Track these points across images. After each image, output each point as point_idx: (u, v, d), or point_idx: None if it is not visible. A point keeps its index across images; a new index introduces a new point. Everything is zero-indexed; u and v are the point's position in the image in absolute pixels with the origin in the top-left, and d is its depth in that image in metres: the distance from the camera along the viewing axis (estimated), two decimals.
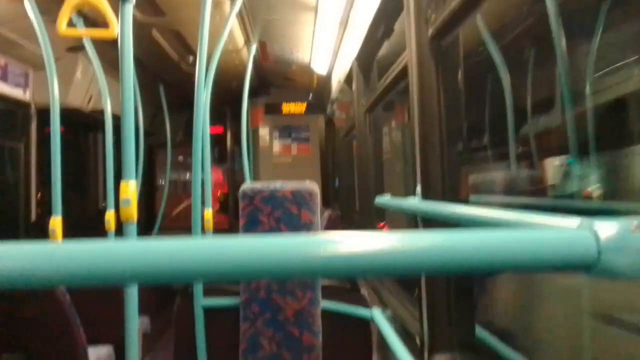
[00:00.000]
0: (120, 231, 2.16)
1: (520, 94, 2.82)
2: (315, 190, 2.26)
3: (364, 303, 2.39)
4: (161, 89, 5.44)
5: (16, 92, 3.95)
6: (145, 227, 5.66)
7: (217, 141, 6.92)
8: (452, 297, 1.42)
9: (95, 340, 3.15)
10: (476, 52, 2.97)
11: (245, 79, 4.24)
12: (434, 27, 1.41)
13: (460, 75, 1.45)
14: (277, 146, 6.32)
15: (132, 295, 1.78)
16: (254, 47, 4.22)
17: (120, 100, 1.82)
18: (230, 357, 2.26)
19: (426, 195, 1.46)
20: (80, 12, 3.30)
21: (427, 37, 1.45)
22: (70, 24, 3.26)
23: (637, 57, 1.90)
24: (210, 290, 2.45)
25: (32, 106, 4.17)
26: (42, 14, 2.77)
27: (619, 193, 1.95)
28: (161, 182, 6.68)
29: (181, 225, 6.14)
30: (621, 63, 2.05)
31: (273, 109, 6.32)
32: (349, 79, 3.28)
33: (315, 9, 3.34)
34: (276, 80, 5.88)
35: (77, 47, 3.89)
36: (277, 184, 2.27)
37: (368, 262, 0.48)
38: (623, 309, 1.44)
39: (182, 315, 2.46)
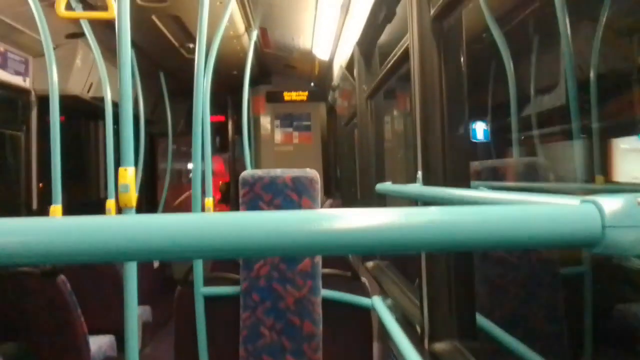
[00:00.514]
0: None
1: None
2: (316, 177, 2.24)
3: (364, 292, 2.38)
4: (162, 76, 5.41)
5: (16, 80, 3.93)
6: None
7: (218, 130, 6.90)
8: (452, 286, 1.40)
9: (96, 330, 3.16)
10: (479, 37, 2.93)
11: (246, 66, 4.20)
12: (435, 7, 1.37)
13: (462, 57, 1.41)
14: (278, 135, 6.30)
15: (132, 284, 1.76)
16: (254, 34, 4.18)
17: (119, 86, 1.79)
18: (231, 345, 2.25)
19: (427, 180, 1.44)
20: None
21: (429, 18, 1.41)
22: (69, 8, 3.23)
23: None
24: (211, 278, 2.44)
25: (33, 93, 4.15)
26: (41, 0, 2.74)
27: None
28: (163, 171, 6.67)
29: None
30: None
31: (274, 97, 6.28)
32: (350, 65, 3.25)
33: None
34: (277, 67, 5.83)
35: (76, 33, 3.85)
36: (278, 171, 2.25)
37: (370, 237, 0.46)
38: None
39: (182, 304, 2.45)
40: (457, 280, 1.39)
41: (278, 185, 2.21)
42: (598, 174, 2.25)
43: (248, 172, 2.28)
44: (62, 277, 2.65)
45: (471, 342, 1.36)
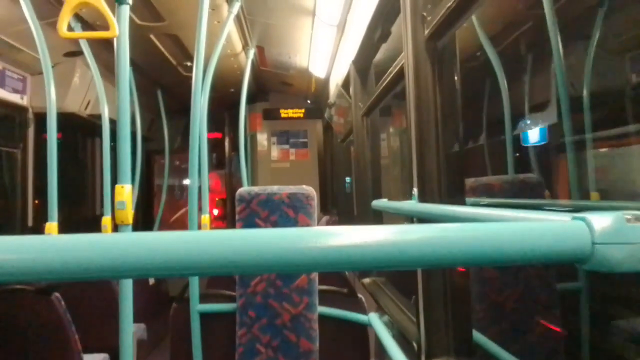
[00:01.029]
0: None
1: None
2: (312, 194, 2.25)
3: (361, 308, 2.37)
4: (159, 94, 5.44)
5: (14, 97, 3.95)
6: None
7: (215, 147, 6.92)
8: (449, 302, 1.40)
9: (91, 348, 3.13)
10: (474, 55, 2.98)
11: (243, 83, 4.24)
12: (430, 28, 1.40)
13: (456, 76, 1.44)
14: (275, 151, 6.32)
15: (127, 302, 1.76)
16: (251, 52, 4.22)
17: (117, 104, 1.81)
18: None
19: (423, 197, 1.45)
20: (78, 17, 3.30)
21: (423, 38, 1.44)
22: (69, 29, 3.26)
23: None
24: (207, 295, 2.43)
25: (30, 111, 4.16)
26: (40, 18, 2.77)
27: None
28: (159, 187, 6.67)
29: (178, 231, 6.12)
30: None
31: (271, 114, 6.32)
32: (346, 83, 3.28)
33: (313, 13, 3.34)
34: (274, 85, 5.88)
35: (74, 52, 3.89)
36: (274, 188, 2.26)
37: (365, 254, 0.47)
38: None
39: (178, 321, 2.44)
40: (453, 296, 1.39)
41: (274, 202, 2.22)
42: (593, 191, 2.27)
43: (244, 189, 2.29)
44: (56, 294, 2.64)
45: (468, 359, 1.36)
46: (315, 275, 2.23)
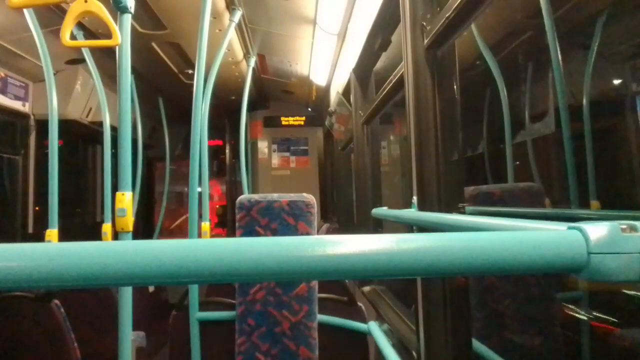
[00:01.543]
0: None
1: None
2: (312, 201, 2.25)
3: (361, 316, 2.36)
4: (160, 101, 5.46)
5: (15, 104, 3.97)
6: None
7: (216, 154, 6.93)
8: (448, 311, 1.40)
9: (90, 356, 3.12)
10: (474, 64, 2.99)
11: (244, 91, 4.26)
12: (429, 37, 1.41)
13: (456, 85, 1.44)
14: (275, 159, 6.33)
15: (126, 309, 1.76)
16: (253, 60, 4.24)
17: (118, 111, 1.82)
18: None
19: (422, 206, 1.45)
20: (80, 25, 3.32)
21: (422, 47, 1.45)
22: (72, 37, 3.29)
23: None
24: (206, 303, 2.42)
25: (32, 118, 4.18)
26: (43, 26, 2.79)
27: None
28: (160, 194, 6.68)
29: (178, 238, 6.12)
30: None
31: (272, 122, 6.34)
32: (347, 91, 3.29)
33: (314, 22, 3.36)
34: (275, 93, 5.90)
35: (76, 59, 3.91)
36: (275, 195, 2.27)
37: (364, 263, 0.48)
38: None
39: (177, 329, 2.43)
40: (453, 305, 1.39)
41: (274, 210, 2.22)
42: (594, 200, 2.27)
43: (245, 197, 2.30)
44: (56, 301, 2.63)
45: None
46: (315, 284, 2.23)
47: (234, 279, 0.49)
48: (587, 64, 2.47)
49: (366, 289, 2.73)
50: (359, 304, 2.45)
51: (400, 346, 1.82)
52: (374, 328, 2.15)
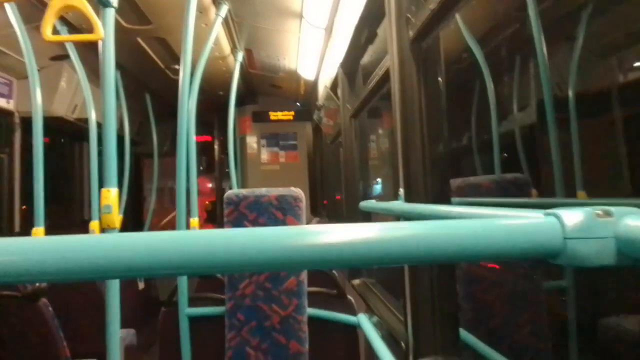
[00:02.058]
0: None
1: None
2: (301, 195, 2.25)
3: (350, 309, 2.37)
4: (147, 97, 5.42)
5: None
6: None
7: (205, 150, 6.90)
8: (436, 301, 1.41)
9: (79, 354, 3.11)
10: (459, 56, 3.00)
11: (232, 86, 4.23)
12: (414, 29, 1.41)
13: (441, 77, 1.45)
14: (265, 154, 6.31)
15: (114, 304, 1.75)
16: (240, 54, 4.22)
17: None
18: None
19: (409, 197, 1.46)
20: (64, 20, 3.28)
21: (407, 40, 1.45)
22: (55, 32, 3.25)
23: None
24: (196, 299, 2.42)
25: (16, 115, 4.13)
26: (25, 22, 2.75)
27: None
28: (149, 191, 6.63)
29: None
30: None
31: (261, 117, 6.32)
32: (334, 85, 3.29)
33: (301, 16, 3.35)
34: (263, 87, 5.88)
35: (61, 55, 3.87)
36: (263, 190, 2.26)
37: (348, 251, 0.48)
38: None
39: (167, 325, 2.43)
40: (440, 296, 1.40)
41: (263, 204, 2.22)
42: (580, 190, 2.29)
43: (233, 192, 2.29)
44: (43, 300, 2.61)
45: (455, 357, 1.37)
46: (304, 277, 2.23)
47: (220, 270, 0.49)
48: (573, 56, 2.49)
49: (356, 281, 2.74)
50: (349, 297, 2.46)
51: (390, 338, 1.84)
52: (364, 320, 2.16)
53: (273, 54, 4.50)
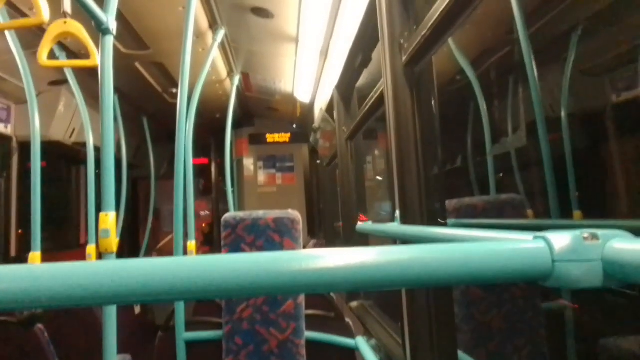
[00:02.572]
0: None
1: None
2: (298, 218, 2.26)
3: (348, 332, 2.36)
4: (145, 121, 5.45)
5: None
6: None
7: (202, 172, 6.91)
8: (434, 324, 1.41)
9: None
10: (453, 79, 3.05)
11: (228, 109, 4.27)
12: (407, 54, 1.44)
13: (434, 100, 1.47)
14: (261, 176, 6.33)
15: (111, 330, 1.73)
16: (237, 78, 4.27)
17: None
18: None
19: (405, 219, 1.47)
20: (62, 46, 3.33)
21: (401, 65, 1.48)
22: (53, 57, 3.29)
23: None
24: (193, 323, 2.40)
25: (14, 140, 4.15)
26: (24, 48, 2.79)
27: None
28: (145, 214, 6.62)
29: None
30: None
31: (257, 139, 6.35)
32: (330, 108, 3.33)
33: (297, 40, 3.40)
34: (260, 110, 5.93)
35: (60, 80, 3.90)
36: (260, 213, 2.27)
37: (345, 275, 0.49)
38: None
39: (164, 350, 2.40)
40: (438, 318, 1.40)
41: (260, 227, 2.23)
42: (576, 210, 2.31)
43: (230, 214, 2.30)
44: (39, 326, 2.59)
45: None
46: (302, 300, 2.22)
47: (219, 295, 0.49)
48: (564, 77, 2.54)
49: (354, 304, 2.73)
50: (347, 319, 2.45)
51: None
52: (362, 343, 2.14)
53: (269, 77, 4.56)
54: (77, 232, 5.55)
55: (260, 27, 3.35)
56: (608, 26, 2.33)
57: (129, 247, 6.25)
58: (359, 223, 2.35)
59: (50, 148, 4.08)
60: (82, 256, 3.64)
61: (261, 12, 3.09)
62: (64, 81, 3.56)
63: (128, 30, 3.18)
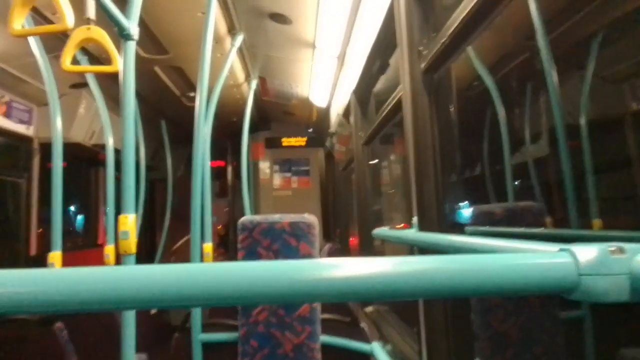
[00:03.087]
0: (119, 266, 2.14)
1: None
2: (314, 222, 2.26)
3: (363, 337, 2.36)
4: (163, 124, 5.52)
5: (20, 128, 4.01)
6: (145, 262, 5.62)
7: (218, 175, 6.96)
8: (450, 331, 1.40)
9: None
10: (470, 85, 3.03)
11: (245, 113, 4.30)
12: (426, 61, 1.44)
13: (452, 107, 1.47)
14: (277, 179, 6.36)
15: (129, 333, 1.76)
16: (254, 82, 4.30)
17: (122, 135, 1.85)
18: None
19: (422, 226, 1.47)
20: (84, 50, 3.38)
21: (419, 71, 1.48)
22: (75, 61, 3.34)
23: None
24: (209, 325, 2.42)
25: (35, 141, 4.23)
26: (47, 51, 2.85)
27: None
28: (162, 216, 6.68)
29: (181, 259, 6.12)
30: None
31: (273, 143, 6.39)
32: (347, 112, 3.33)
33: (314, 45, 3.42)
34: (276, 114, 5.96)
35: (80, 83, 3.97)
36: (276, 216, 2.28)
37: (364, 285, 0.49)
38: None
39: (180, 351, 2.42)
40: (455, 326, 1.39)
41: (276, 231, 2.24)
42: (595, 218, 2.28)
43: (247, 218, 2.31)
44: (58, 324, 2.63)
45: None
46: (317, 304, 2.23)
47: (237, 303, 0.50)
48: (584, 84, 2.51)
49: (368, 309, 2.73)
50: (362, 324, 2.45)
51: None
52: (377, 349, 2.14)
53: (286, 81, 4.58)
54: (95, 233, 5.63)
55: (277, 33, 3.37)
56: (629, 31, 2.30)
57: (146, 249, 6.32)
58: (376, 228, 2.35)
59: (70, 149, 4.15)
60: (99, 255, 3.68)
61: (279, 18, 3.12)
62: (85, 84, 3.62)
63: (148, 35, 3.22)
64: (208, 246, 3.13)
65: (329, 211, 6.27)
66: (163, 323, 4.99)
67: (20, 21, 1.57)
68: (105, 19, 1.77)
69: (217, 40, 3.17)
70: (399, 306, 2.57)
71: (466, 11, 1.14)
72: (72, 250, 4.85)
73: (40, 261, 3.81)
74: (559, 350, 1.83)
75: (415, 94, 1.49)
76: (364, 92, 2.94)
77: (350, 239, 4.54)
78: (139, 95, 4.35)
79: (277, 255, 2.20)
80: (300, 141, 6.38)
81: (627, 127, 2.51)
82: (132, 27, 1.85)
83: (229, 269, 0.50)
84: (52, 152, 2.93)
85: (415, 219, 1.50)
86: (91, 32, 1.82)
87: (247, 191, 4.58)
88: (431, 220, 1.42)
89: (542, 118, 2.71)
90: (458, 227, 1.82)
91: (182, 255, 6.29)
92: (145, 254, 6.16)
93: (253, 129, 5.86)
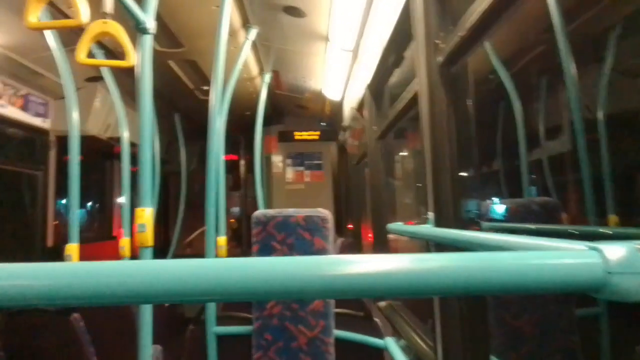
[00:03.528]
0: (134, 258, 2.16)
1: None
2: (328, 216, 2.26)
3: (377, 332, 2.36)
4: (176, 117, 5.55)
5: (36, 121, 4.06)
6: (159, 255, 5.68)
7: (231, 168, 6.99)
8: (466, 327, 1.40)
9: None
10: (487, 79, 3.00)
11: (258, 107, 4.31)
12: (443, 55, 1.43)
13: (469, 102, 1.46)
14: (290, 173, 6.36)
15: (146, 325, 1.78)
16: (267, 76, 4.30)
17: (138, 128, 1.86)
18: None
19: (438, 222, 1.46)
20: (100, 44, 3.41)
21: (436, 65, 1.46)
22: (90, 55, 3.37)
23: None
24: (223, 317, 2.44)
25: (51, 134, 4.27)
26: (64, 45, 2.87)
27: None
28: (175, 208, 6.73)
29: (195, 252, 6.17)
30: None
31: (286, 137, 6.39)
32: (360, 106, 3.32)
33: (327, 39, 3.40)
34: (289, 108, 5.96)
35: (96, 77, 4.00)
36: (290, 211, 2.28)
37: (380, 282, 0.49)
38: None
39: (194, 343, 2.45)
40: (470, 322, 1.38)
41: (290, 225, 2.24)
42: (612, 214, 2.25)
43: (260, 212, 2.32)
44: (75, 315, 2.67)
45: None
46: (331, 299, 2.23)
47: (252, 298, 0.50)
48: (602, 77, 2.47)
49: (382, 304, 2.72)
50: (375, 319, 2.45)
51: None
52: (391, 344, 2.14)
53: (299, 75, 4.57)
54: (109, 224, 5.69)
55: (291, 26, 3.36)
56: None
57: (160, 242, 6.38)
58: (390, 223, 2.34)
59: (86, 142, 4.20)
60: (114, 248, 3.72)
61: (293, 11, 3.11)
62: (101, 78, 3.65)
63: (163, 28, 3.24)
64: (222, 239, 3.15)
65: (342, 205, 6.27)
66: (177, 315, 5.04)
67: (36, 14, 1.58)
68: (121, 12, 1.78)
69: (231, 33, 3.17)
70: (413, 301, 2.56)
71: (485, 3, 1.12)
72: (87, 242, 4.91)
73: (57, 253, 3.87)
74: (575, 347, 1.81)
75: (432, 88, 1.47)
76: (378, 85, 2.92)
77: (363, 233, 4.53)
78: (153, 89, 4.38)
79: (291, 249, 2.21)
80: (313, 135, 6.37)
81: None
82: (149, 20, 1.85)
83: (247, 265, 0.50)
84: (68, 145, 2.96)
85: (431, 214, 1.49)
86: (107, 26, 1.83)
87: (260, 185, 4.59)
88: (447, 215, 1.41)
89: (563, 113, 2.68)
90: (473, 223, 1.81)
91: (196, 248, 6.34)
92: (159, 247, 6.22)
93: (266, 123, 5.87)
